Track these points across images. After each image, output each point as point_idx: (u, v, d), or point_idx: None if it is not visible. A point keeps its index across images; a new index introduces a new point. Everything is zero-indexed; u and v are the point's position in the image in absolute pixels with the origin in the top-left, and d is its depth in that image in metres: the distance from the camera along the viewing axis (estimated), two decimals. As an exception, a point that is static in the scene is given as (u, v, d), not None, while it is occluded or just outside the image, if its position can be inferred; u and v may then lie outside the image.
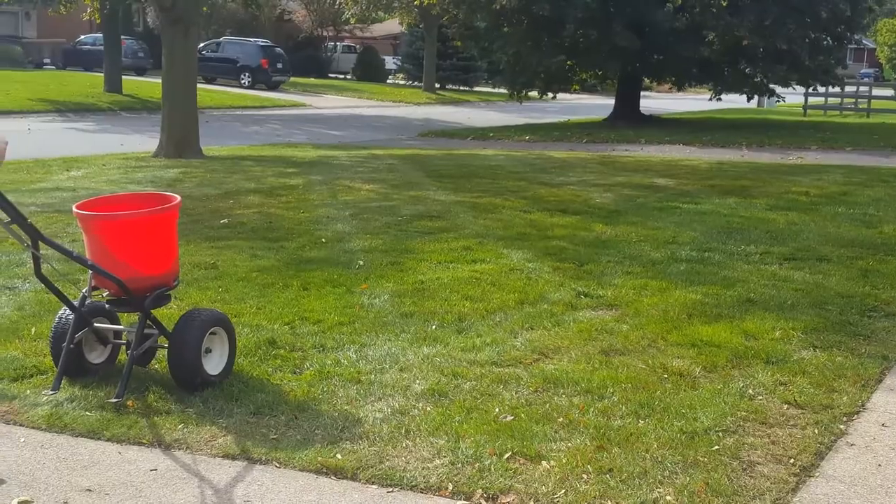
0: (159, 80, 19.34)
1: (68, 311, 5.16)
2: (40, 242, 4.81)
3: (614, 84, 30.89)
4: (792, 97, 35.55)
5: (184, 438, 4.50)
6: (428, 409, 4.84)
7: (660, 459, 4.26)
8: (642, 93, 31.37)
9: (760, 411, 4.88)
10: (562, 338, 6.10)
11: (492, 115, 35.60)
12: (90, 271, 5.06)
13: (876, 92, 36.99)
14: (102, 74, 36.93)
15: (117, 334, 5.42)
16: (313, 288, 7.31)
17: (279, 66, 47.46)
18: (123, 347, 5.40)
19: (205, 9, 21.58)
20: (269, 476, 4.16)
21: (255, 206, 11.36)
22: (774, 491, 4.03)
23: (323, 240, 9.25)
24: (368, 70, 58.05)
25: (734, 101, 32.25)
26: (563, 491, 3.96)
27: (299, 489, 4.04)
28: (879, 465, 4.36)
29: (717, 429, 4.62)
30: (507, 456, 4.26)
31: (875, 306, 7.03)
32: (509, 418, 4.71)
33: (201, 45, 41.80)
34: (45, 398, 4.93)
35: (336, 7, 57.94)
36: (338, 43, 65.75)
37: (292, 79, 48.99)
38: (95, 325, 5.23)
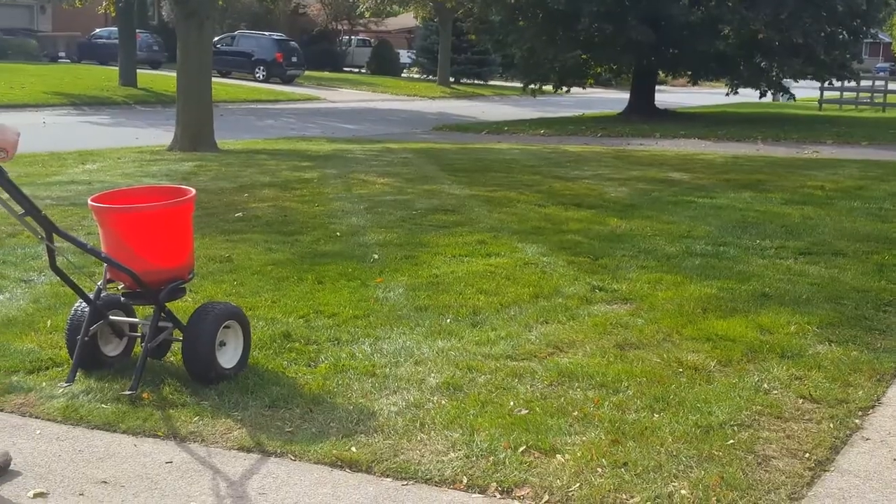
0: (174, 74, 19.36)
1: (83, 304, 5.17)
2: (55, 235, 4.82)
3: (629, 78, 30.80)
4: (807, 91, 35.42)
5: (199, 431, 4.51)
6: (443, 402, 4.84)
7: (674, 453, 4.25)
8: (657, 87, 31.27)
9: (775, 405, 4.86)
10: (576, 332, 6.10)
11: (506, 109, 35.56)
12: (105, 264, 5.08)
13: (892, 86, 36.71)
14: (117, 68, 37.02)
15: (133, 327, 5.43)
16: (328, 281, 7.31)
17: (294, 59, 47.49)
18: (139, 340, 5.41)
19: (220, 2, 21.59)
20: (283, 469, 4.16)
21: (270, 200, 11.38)
22: (789, 485, 4.01)
23: (338, 233, 9.25)
24: (383, 64, 58.06)
25: (749, 96, 32.12)
26: (577, 484, 3.96)
27: (314, 482, 4.05)
28: (895, 460, 4.34)
29: (732, 423, 4.61)
30: (521, 449, 4.26)
31: (890, 301, 6.99)
32: (524, 412, 4.71)
33: (216, 38, 41.90)
34: (60, 391, 4.94)
35: (351, 1, 57.94)
36: (352, 37, 65.82)
37: (307, 73, 49.01)
38: (111, 317, 5.24)
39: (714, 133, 23.34)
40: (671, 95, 42.45)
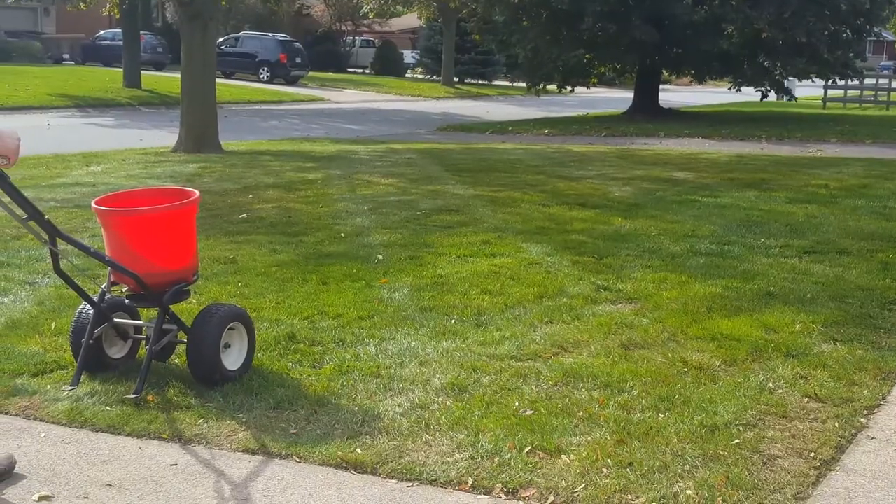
0: (178, 75, 19.39)
1: (88, 307, 5.17)
2: (58, 239, 4.82)
3: (633, 78, 30.82)
4: (810, 90, 35.36)
5: (203, 433, 4.51)
6: (447, 403, 4.84)
7: (680, 453, 4.24)
8: (661, 86, 31.26)
9: (781, 405, 4.86)
10: (581, 332, 6.09)
11: (510, 109, 35.57)
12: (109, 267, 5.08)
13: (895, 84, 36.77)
14: (121, 69, 37.09)
15: (137, 329, 5.43)
16: (332, 282, 7.31)
17: (298, 60, 47.54)
18: (143, 343, 5.41)
19: (223, 3, 21.59)
20: (288, 471, 4.16)
21: (274, 201, 11.38)
22: (795, 485, 4.01)
23: (342, 234, 9.25)
24: (387, 64, 58.08)
25: (753, 94, 32.11)
26: (583, 485, 3.95)
27: (319, 484, 4.04)
28: (901, 460, 4.34)
29: (737, 422, 4.60)
30: (526, 450, 4.26)
31: (895, 299, 6.99)
32: (529, 412, 4.70)
33: (220, 39, 41.94)
34: (65, 393, 4.94)
35: (354, 2, 57.97)
36: (356, 37, 65.80)
37: (311, 73, 49.06)
38: (115, 320, 5.24)
39: (718, 132, 23.34)
40: (675, 94, 42.44)
